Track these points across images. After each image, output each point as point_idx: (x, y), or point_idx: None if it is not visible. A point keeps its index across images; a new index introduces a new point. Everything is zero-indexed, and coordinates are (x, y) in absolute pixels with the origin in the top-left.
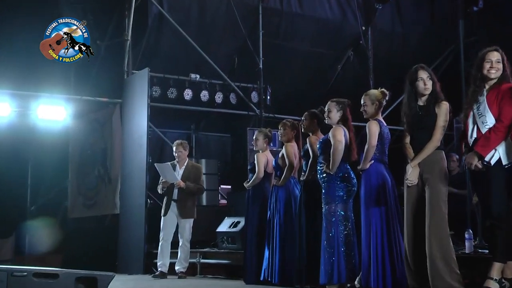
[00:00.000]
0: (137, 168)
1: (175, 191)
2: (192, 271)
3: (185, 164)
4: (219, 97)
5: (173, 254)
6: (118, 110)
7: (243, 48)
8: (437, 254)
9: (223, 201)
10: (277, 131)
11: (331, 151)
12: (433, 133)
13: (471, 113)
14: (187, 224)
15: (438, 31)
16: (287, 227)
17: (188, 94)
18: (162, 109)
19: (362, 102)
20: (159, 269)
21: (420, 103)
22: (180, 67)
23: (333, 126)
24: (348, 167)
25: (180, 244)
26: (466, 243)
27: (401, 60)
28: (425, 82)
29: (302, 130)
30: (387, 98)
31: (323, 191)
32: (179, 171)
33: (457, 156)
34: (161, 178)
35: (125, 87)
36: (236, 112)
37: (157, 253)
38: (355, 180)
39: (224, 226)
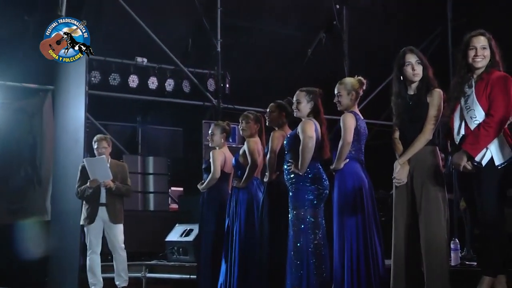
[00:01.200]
0: (72, 167)
1: (103, 193)
2: (136, 287)
3: (109, 162)
4: (170, 85)
5: (106, 268)
6: (50, 98)
7: (198, 29)
8: (436, 271)
9: (174, 206)
10: (238, 125)
11: (300, 148)
12: (424, 125)
13: (458, 107)
14: (119, 230)
15: (424, 11)
16: (248, 236)
17: (133, 80)
18: (103, 98)
19: (336, 91)
20: None
21: (410, 91)
22: (125, 49)
23: (303, 119)
24: (320, 166)
25: (114, 255)
26: (452, 254)
27: (381, 44)
28: (414, 67)
29: (267, 124)
30: (364, 87)
31: (290, 194)
32: None
33: (442, 155)
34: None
35: (58, 71)
36: (189, 102)
37: None
38: (327, 181)
39: (175, 235)
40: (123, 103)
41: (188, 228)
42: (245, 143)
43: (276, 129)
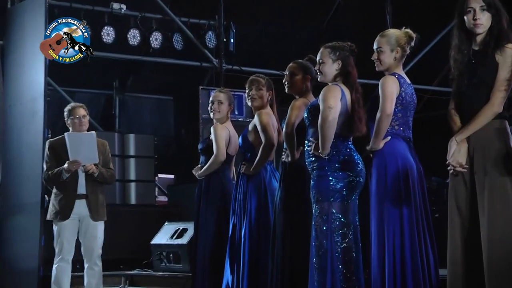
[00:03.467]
0: (28, 147)
1: (81, 180)
2: None
3: None
4: (156, 40)
5: (74, 280)
6: None
7: None
8: (504, 285)
9: (162, 198)
10: (244, 93)
11: (319, 122)
12: (491, 92)
13: None
14: (99, 230)
15: None
16: (260, 238)
17: (108, 34)
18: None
19: (375, 46)
20: None
21: (475, 47)
22: None
23: (328, 84)
24: (351, 146)
25: (87, 264)
26: None
27: None
28: (476, 14)
29: (286, 90)
30: (413, 43)
31: (312, 182)
32: None
33: None
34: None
35: (9, 21)
36: (182, 62)
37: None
38: (361, 166)
39: (164, 236)
40: (95, 64)
41: (181, 228)
42: (256, 116)
43: (297, 97)
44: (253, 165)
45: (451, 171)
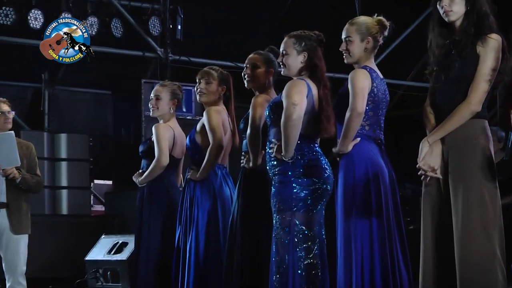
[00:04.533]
0: None
1: (1, 186)
2: None
3: None
4: (92, 25)
5: None
6: None
7: None
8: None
9: (99, 208)
10: (193, 87)
11: (282, 121)
12: (470, 88)
13: None
14: (22, 245)
15: None
16: (209, 253)
17: (36, 18)
18: None
19: (343, 36)
20: None
21: (456, 37)
22: None
23: (293, 78)
24: (318, 149)
25: (8, 283)
26: None
27: None
28: (447, 0)
29: (246, 85)
30: (386, 32)
31: (273, 190)
32: None
33: (502, 133)
34: None
35: None
36: (122, 52)
37: None
38: (328, 171)
39: (100, 251)
40: (20, 52)
41: (120, 241)
42: (204, 113)
43: (257, 93)
44: (201, 169)
45: (422, 177)
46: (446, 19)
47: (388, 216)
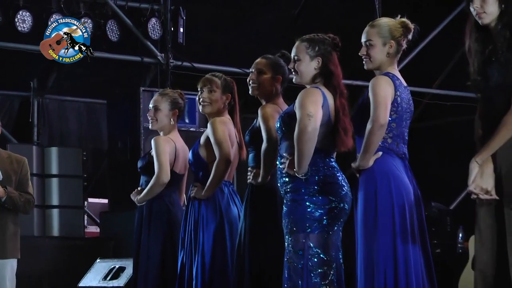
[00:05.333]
0: None
1: None
2: None
3: None
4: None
5: None
6: None
7: None
8: None
9: (93, 229)
10: (196, 96)
11: (295, 133)
12: None
13: None
14: (8, 271)
15: None
16: (215, 277)
17: (24, 20)
18: None
19: (363, 39)
20: None
21: (494, 41)
22: None
23: (306, 86)
24: (334, 164)
25: None
26: None
27: None
28: (474, 1)
29: (250, 92)
30: (410, 35)
31: (285, 209)
32: None
33: None
34: None
35: None
36: (118, 57)
37: None
38: (346, 189)
39: (95, 277)
40: (6, 58)
41: (117, 266)
42: (209, 124)
43: (265, 102)
44: (205, 187)
45: (476, 198)
46: (479, 22)
47: (413, 238)
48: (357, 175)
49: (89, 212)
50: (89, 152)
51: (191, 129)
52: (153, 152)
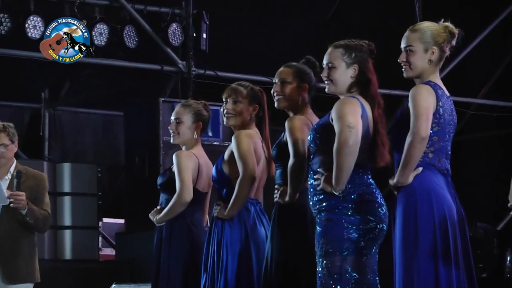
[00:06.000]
0: None
1: None
2: None
3: (11, 170)
4: (101, 34)
5: None
6: None
7: None
8: None
9: (108, 251)
10: (220, 107)
11: (335, 147)
12: None
13: None
14: None
15: None
16: None
17: (36, 25)
18: None
19: (403, 45)
20: None
21: None
22: None
23: (341, 97)
24: (371, 180)
25: None
26: None
27: None
28: None
29: (276, 105)
30: (454, 41)
31: (318, 229)
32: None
33: None
34: None
35: None
36: (136, 65)
37: None
38: (384, 208)
39: None
40: (16, 67)
41: None
42: (233, 138)
43: (292, 114)
44: (229, 206)
45: None
46: None
47: (457, 262)
48: (395, 192)
49: (104, 233)
50: (105, 168)
51: (215, 143)
52: (175, 168)
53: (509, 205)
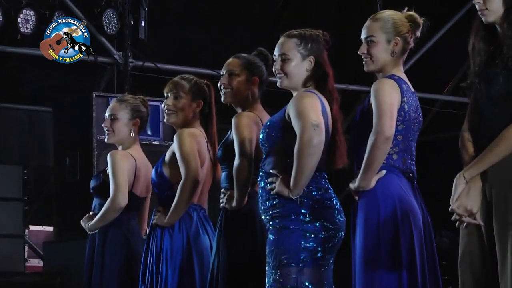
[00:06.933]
0: None
1: None
2: None
3: None
4: (27, 21)
5: None
6: None
7: None
8: None
9: (35, 262)
10: (161, 103)
11: (296, 147)
12: None
13: None
14: None
15: None
16: None
17: None
18: None
19: (363, 35)
20: None
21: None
22: None
23: (295, 92)
24: (327, 185)
25: None
26: None
27: None
28: None
29: (223, 99)
30: (419, 31)
31: (272, 237)
32: None
33: None
34: None
35: None
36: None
37: None
38: (343, 214)
39: None
40: None
41: None
42: (175, 137)
43: (240, 109)
44: (169, 212)
45: (457, 223)
46: (483, 20)
47: (423, 271)
48: (356, 198)
49: (31, 242)
50: (31, 169)
51: (154, 142)
52: (109, 170)
53: (450, 209)
